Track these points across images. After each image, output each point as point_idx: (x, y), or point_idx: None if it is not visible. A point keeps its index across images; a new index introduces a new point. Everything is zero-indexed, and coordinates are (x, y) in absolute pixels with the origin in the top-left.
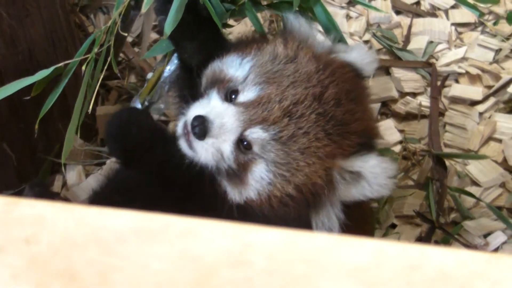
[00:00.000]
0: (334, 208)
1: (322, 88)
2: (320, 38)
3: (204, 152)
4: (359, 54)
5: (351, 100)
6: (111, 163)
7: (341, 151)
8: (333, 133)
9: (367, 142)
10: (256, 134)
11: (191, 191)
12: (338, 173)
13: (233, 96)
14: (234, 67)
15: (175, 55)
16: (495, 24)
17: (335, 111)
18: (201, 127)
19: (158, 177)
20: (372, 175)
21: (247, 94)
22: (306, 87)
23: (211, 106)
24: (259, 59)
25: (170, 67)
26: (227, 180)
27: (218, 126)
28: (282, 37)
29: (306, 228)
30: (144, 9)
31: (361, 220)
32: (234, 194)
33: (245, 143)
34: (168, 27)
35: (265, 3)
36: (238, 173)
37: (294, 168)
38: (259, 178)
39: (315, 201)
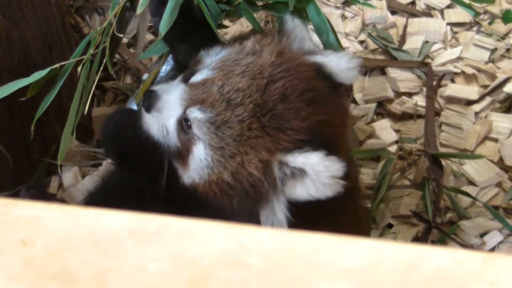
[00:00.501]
0: (280, 205)
1: (269, 81)
2: (315, 40)
3: (151, 126)
4: (336, 59)
5: (302, 100)
6: (107, 164)
7: (276, 145)
8: (268, 126)
9: (313, 140)
10: (194, 114)
11: (186, 192)
12: (277, 167)
13: (189, 78)
14: (210, 56)
15: (171, 55)
16: (490, 23)
17: (276, 105)
18: (149, 101)
19: (154, 178)
20: (315, 172)
21: (197, 76)
22: (254, 78)
23: (168, 84)
24: (230, 50)
25: (166, 68)
26: (176, 161)
27: (162, 101)
28: (269, 35)
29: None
30: (139, 10)
31: (355, 219)
32: (184, 177)
33: (188, 122)
34: (163, 28)
35: (260, 3)
36: (183, 153)
37: (227, 154)
38: (199, 160)
39: (257, 194)
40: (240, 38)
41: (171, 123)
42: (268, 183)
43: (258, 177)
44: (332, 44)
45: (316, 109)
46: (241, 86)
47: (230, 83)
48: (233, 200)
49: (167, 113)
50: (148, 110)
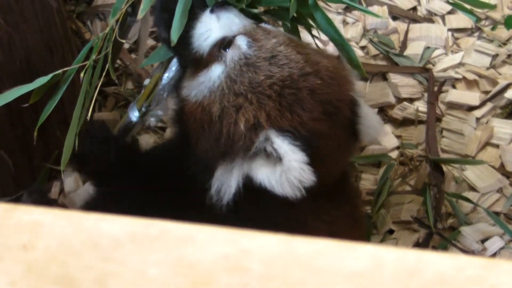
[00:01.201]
0: (238, 172)
1: (313, 72)
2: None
3: (201, 25)
4: (371, 113)
5: (323, 106)
6: None
7: (278, 118)
8: (285, 98)
9: (307, 142)
10: (241, 41)
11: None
12: (263, 138)
13: (261, 22)
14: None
15: (173, 61)
16: (493, 29)
17: (303, 91)
18: (223, 4)
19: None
20: (288, 167)
21: (269, 26)
22: (307, 62)
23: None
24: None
25: (169, 74)
26: (190, 66)
27: (232, 13)
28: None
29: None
30: (140, 15)
31: (352, 223)
32: (184, 86)
33: (229, 44)
34: (175, 35)
35: (261, 9)
36: (202, 63)
37: (234, 90)
38: (208, 78)
39: (226, 146)
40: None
41: (217, 35)
42: (243, 144)
43: (240, 130)
44: (343, 47)
45: (327, 122)
46: (292, 57)
47: (287, 49)
48: (203, 138)
49: (224, 23)
50: (214, 10)
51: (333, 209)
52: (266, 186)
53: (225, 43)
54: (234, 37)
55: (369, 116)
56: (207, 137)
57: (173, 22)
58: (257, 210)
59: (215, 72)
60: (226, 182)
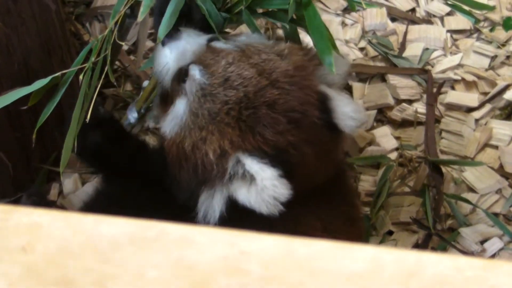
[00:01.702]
0: (220, 197)
1: (269, 84)
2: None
3: (159, 58)
4: (344, 102)
5: (286, 115)
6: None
7: (241, 143)
8: (244, 121)
9: (276, 157)
10: (194, 71)
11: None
12: (233, 162)
13: (214, 40)
14: (247, 35)
15: (131, 107)
16: (491, 30)
17: (261, 108)
18: (172, 36)
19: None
20: (262, 186)
21: (220, 43)
22: (260, 74)
23: (195, 33)
24: (264, 41)
25: (129, 121)
26: (160, 103)
27: (181, 43)
28: (305, 50)
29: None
30: (140, 17)
31: (348, 223)
32: (161, 123)
33: (185, 75)
34: (162, 31)
35: (260, 11)
36: (168, 99)
37: (198, 124)
38: (175, 114)
39: (204, 175)
40: (280, 38)
41: (174, 67)
42: (218, 172)
43: (211, 160)
44: (324, 52)
45: (294, 131)
46: (245, 74)
47: (239, 66)
48: (182, 171)
49: (176, 54)
50: (165, 43)
51: (328, 207)
52: (247, 206)
53: (182, 74)
54: (188, 65)
55: (342, 107)
56: (186, 169)
57: (162, 21)
58: (249, 212)
59: (180, 107)
60: (210, 208)
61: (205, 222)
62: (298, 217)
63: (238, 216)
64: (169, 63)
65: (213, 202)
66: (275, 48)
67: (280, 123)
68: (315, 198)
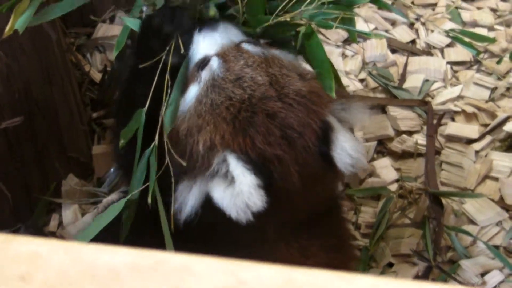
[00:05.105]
0: (197, 190)
1: (277, 97)
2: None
3: (189, 42)
4: (345, 138)
5: (282, 131)
6: (107, 201)
7: (230, 141)
8: (239, 121)
9: (260, 166)
10: (214, 61)
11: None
12: (219, 159)
13: (245, 41)
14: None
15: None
16: (498, 62)
17: (260, 114)
18: (209, 26)
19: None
20: (238, 190)
21: (248, 45)
22: (272, 85)
23: (230, 27)
24: (290, 57)
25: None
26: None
27: (215, 35)
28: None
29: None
30: (114, 55)
31: (333, 255)
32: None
33: (205, 64)
34: (168, 122)
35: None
36: (185, 84)
37: (198, 111)
38: (186, 99)
39: (188, 163)
40: (309, 63)
41: (200, 54)
42: (202, 164)
43: (199, 150)
44: (325, 77)
45: (285, 147)
46: (258, 80)
47: (255, 70)
48: (170, 153)
49: (207, 43)
50: (201, 29)
51: (309, 237)
52: (220, 206)
53: (204, 62)
54: (211, 57)
55: (341, 142)
56: (174, 152)
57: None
58: (224, 229)
59: (192, 93)
60: (185, 198)
61: (179, 213)
62: (276, 245)
63: (211, 220)
64: (199, 49)
65: (189, 194)
66: (299, 69)
67: (273, 134)
68: (299, 227)
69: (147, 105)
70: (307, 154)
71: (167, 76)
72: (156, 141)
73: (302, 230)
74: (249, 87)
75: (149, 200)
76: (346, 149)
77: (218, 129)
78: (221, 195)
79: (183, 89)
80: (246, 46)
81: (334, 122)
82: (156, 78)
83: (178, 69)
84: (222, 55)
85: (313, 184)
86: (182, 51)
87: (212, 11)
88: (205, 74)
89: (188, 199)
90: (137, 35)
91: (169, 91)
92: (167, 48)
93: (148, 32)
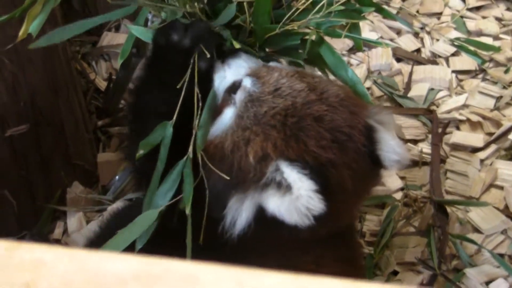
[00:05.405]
0: (251, 202)
1: (319, 99)
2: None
3: (215, 72)
4: (390, 138)
5: (332, 133)
6: (111, 209)
7: (284, 148)
8: (289, 127)
9: (315, 170)
10: (246, 81)
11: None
12: (273, 168)
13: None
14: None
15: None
16: (506, 72)
17: (307, 118)
18: (231, 56)
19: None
20: (297, 195)
21: (273, 63)
22: (311, 90)
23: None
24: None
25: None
26: (211, 115)
27: (239, 63)
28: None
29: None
30: (119, 62)
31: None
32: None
33: (238, 87)
34: (200, 143)
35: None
36: (218, 109)
37: (242, 125)
38: (222, 122)
39: (238, 177)
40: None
41: (228, 81)
42: (255, 175)
43: (250, 162)
44: (352, 79)
45: (336, 150)
46: (296, 87)
47: (291, 80)
48: (213, 174)
49: (233, 69)
50: (224, 60)
51: (325, 248)
52: (277, 215)
53: (235, 86)
54: (241, 79)
55: (387, 141)
56: (220, 170)
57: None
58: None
59: (227, 115)
60: (239, 213)
61: (232, 228)
62: (293, 256)
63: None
64: (226, 77)
65: (242, 208)
66: (327, 78)
67: (324, 138)
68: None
69: (174, 118)
70: (357, 157)
71: (196, 90)
72: (190, 154)
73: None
74: (289, 95)
75: (187, 211)
76: (393, 147)
77: (269, 137)
78: (277, 203)
79: (215, 115)
80: (273, 64)
81: (374, 123)
82: (183, 91)
83: (203, 81)
84: (253, 74)
85: (364, 186)
86: (208, 56)
87: (237, 45)
88: (239, 95)
89: (241, 213)
90: (152, 47)
91: (200, 104)
92: (191, 61)
93: (167, 45)
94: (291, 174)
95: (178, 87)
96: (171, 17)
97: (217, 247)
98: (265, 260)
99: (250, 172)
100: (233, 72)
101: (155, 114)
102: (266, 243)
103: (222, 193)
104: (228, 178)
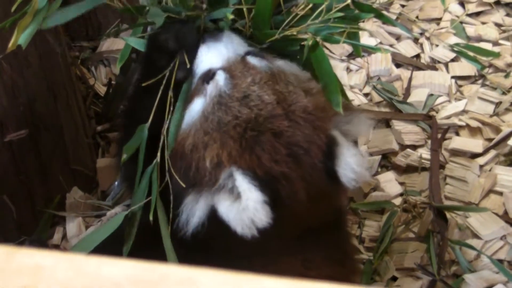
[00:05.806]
0: (204, 203)
1: (284, 114)
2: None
3: (199, 55)
4: (350, 153)
5: (288, 148)
6: (111, 215)
7: (237, 158)
8: (246, 139)
9: (266, 183)
10: (220, 76)
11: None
12: (226, 175)
13: (252, 54)
14: (279, 60)
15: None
16: (506, 76)
17: (266, 133)
18: (214, 36)
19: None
20: (244, 205)
21: (255, 59)
22: (279, 102)
23: (239, 40)
24: (299, 72)
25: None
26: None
27: (219, 45)
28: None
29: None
30: (117, 67)
31: (336, 268)
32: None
33: (211, 78)
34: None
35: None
36: (190, 96)
37: (204, 127)
38: (191, 114)
39: (195, 178)
40: (315, 77)
41: (205, 66)
42: (209, 180)
43: (206, 166)
44: (332, 92)
45: (291, 164)
46: (265, 98)
47: (262, 88)
48: (175, 167)
49: (212, 54)
50: (205, 40)
51: (315, 250)
52: (225, 220)
53: (209, 75)
54: (216, 70)
55: (346, 157)
56: (178, 167)
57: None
58: (227, 243)
59: (197, 107)
60: (192, 211)
61: (186, 225)
62: (279, 257)
63: (217, 234)
64: (203, 61)
65: (196, 207)
66: (305, 83)
67: (279, 153)
68: (302, 239)
69: (149, 121)
70: (313, 171)
71: (170, 93)
72: (158, 158)
73: (306, 242)
74: (256, 106)
75: (151, 217)
76: (350, 164)
77: (225, 146)
78: (227, 210)
79: (188, 102)
80: (252, 60)
81: (338, 136)
82: (159, 94)
83: (182, 85)
84: (228, 70)
85: (319, 199)
86: (188, 66)
87: (229, 16)
88: (211, 89)
89: (195, 211)
90: (144, 51)
91: (171, 108)
92: (172, 65)
93: (154, 49)
94: (243, 183)
95: (156, 90)
96: (158, 20)
97: (197, 248)
98: (250, 262)
99: (206, 175)
100: (211, 57)
101: (143, 119)
102: (249, 245)
103: (180, 191)
104: (184, 178)
